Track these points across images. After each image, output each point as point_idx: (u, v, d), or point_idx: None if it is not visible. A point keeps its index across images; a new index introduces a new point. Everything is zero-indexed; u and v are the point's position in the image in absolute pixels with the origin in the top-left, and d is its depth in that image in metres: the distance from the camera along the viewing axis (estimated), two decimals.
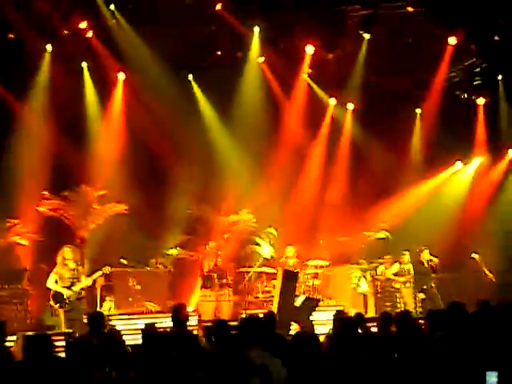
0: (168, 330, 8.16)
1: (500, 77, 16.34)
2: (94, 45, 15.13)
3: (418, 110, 17.67)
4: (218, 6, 14.96)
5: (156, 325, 7.90)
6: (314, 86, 17.05)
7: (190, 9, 14.69)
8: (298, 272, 14.04)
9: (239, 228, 15.99)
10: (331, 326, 8.53)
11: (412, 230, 16.11)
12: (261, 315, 7.78)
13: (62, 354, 6.51)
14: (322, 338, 8.12)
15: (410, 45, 15.71)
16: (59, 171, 14.81)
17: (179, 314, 7.89)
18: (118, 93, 16.20)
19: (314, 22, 15.09)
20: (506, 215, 16.67)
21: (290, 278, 13.38)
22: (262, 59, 16.31)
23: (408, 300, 14.79)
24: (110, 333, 8.00)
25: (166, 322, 10.07)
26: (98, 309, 13.23)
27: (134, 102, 15.97)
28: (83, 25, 14.67)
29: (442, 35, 15.44)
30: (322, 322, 12.71)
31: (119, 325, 11.87)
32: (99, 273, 12.22)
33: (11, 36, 14.38)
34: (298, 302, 13.30)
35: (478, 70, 16.22)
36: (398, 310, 13.66)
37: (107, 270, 12.25)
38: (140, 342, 7.06)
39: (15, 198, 14.37)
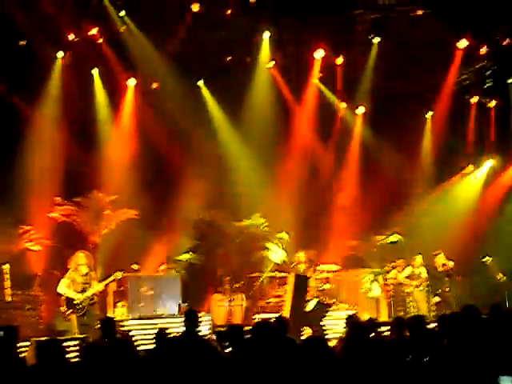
0: (180, 334, 8.17)
1: (510, 80, 16.28)
2: (105, 51, 15.20)
3: (429, 114, 17.63)
4: (228, 12, 15.00)
5: (168, 330, 7.91)
6: (325, 90, 17.05)
7: (200, 14, 14.73)
8: (309, 277, 14.02)
9: (251, 233, 16.01)
10: (343, 331, 8.53)
11: (424, 234, 16.08)
12: (273, 320, 7.79)
13: (75, 359, 6.55)
14: (333, 343, 8.15)
15: (419, 48, 15.69)
16: (71, 177, 14.89)
17: (191, 319, 7.90)
18: (129, 98, 16.26)
19: (324, 27, 15.12)
20: None
21: (302, 282, 13.37)
22: (272, 64, 16.33)
23: (421, 304, 14.72)
24: (122, 337, 8.03)
25: (178, 327, 10.09)
26: (111, 314, 13.25)
27: (145, 108, 16.04)
28: (94, 31, 14.74)
29: (451, 38, 15.42)
30: (334, 327, 12.70)
31: (132, 330, 11.90)
32: (111, 278, 12.26)
33: (22, 43, 14.47)
34: (310, 306, 13.30)
35: (488, 72, 16.18)
36: (411, 314, 13.63)
37: (119, 275, 12.29)
38: (152, 346, 7.08)
39: (28, 204, 14.44)
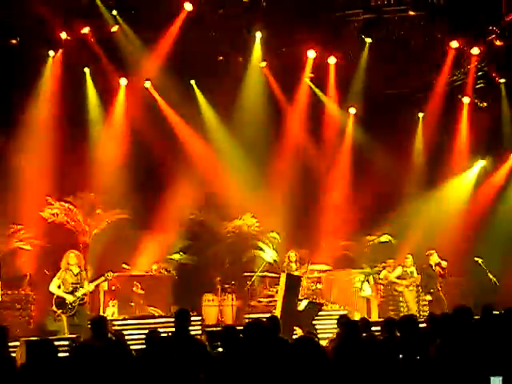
0: (171, 334, 8.16)
1: (502, 80, 16.32)
2: (97, 50, 15.15)
3: (421, 114, 17.66)
4: (221, 11, 14.98)
5: (159, 329, 7.89)
6: (316, 91, 17.06)
7: (192, 14, 14.69)
8: (300, 276, 14.04)
9: (242, 232, 16.01)
10: (335, 331, 8.53)
11: (415, 234, 16.12)
12: (264, 320, 7.78)
13: (66, 359, 6.51)
14: (325, 342, 8.16)
15: (411, 49, 15.70)
16: (62, 177, 14.83)
17: (182, 319, 7.88)
18: (120, 98, 16.22)
19: (316, 27, 15.10)
20: (510, 218, 16.66)
21: (293, 282, 13.38)
22: (264, 64, 16.33)
23: (411, 303, 14.78)
24: (114, 336, 8.00)
25: (168, 327, 10.07)
26: (101, 314, 13.22)
27: (136, 107, 16.01)
28: (85, 30, 14.69)
29: (443, 39, 15.44)
30: (326, 327, 12.70)
31: (122, 330, 11.86)
32: (102, 278, 12.24)
33: (13, 42, 14.40)
34: (302, 306, 13.30)
35: (480, 73, 16.21)
36: (402, 314, 13.67)
37: (110, 276, 12.27)
38: (143, 346, 7.05)
39: (18, 203, 14.39)
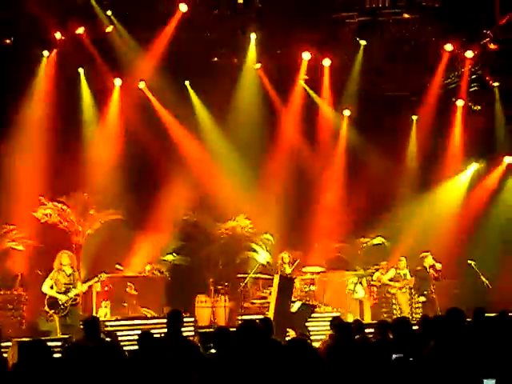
0: (163, 335, 8.14)
1: (496, 84, 16.36)
2: (91, 50, 15.11)
3: (414, 117, 17.69)
4: (215, 12, 14.97)
5: (151, 330, 7.88)
6: (311, 93, 17.07)
7: (187, 15, 14.68)
8: (294, 278, 14.04)
9: (236, 234, 16.00)
10: (328, 333, 8.53)
11: (409, 236, 16.14)
12: (257, 321, 7.77)
13: (58, 360, 6.49)
14: (318, 344, 8.16)
15: (406, 51, 15.73)
16: (55, 177, 14.79)
17: (174, 320, 7.86)
18: (115, 98, 16.19)
19: (311, 29, 15.11)
20: (503, 221, 16.72)
21: (286, 284, 13.38)
22: (258, 66, 16.33)
23: (404, 306, 14.79)
24: (107, 336, 7.99)
25: (161, 328, 10.05)
26: (94, 314, 13.19)
27: (131, 108, 15.98)
28: (80, 30, 14.66)
29: (438, 42, 15.47)
30: (319, 329, 12.70)
31: (115, 330, 11.84)
32: (95, 279, 12.22)
33: (7, 41, 14.36)
34: (295, 307, 13.30)
35: (474, 76, 16.25)
36: (395, 316, 13.70)
37: (103, 277, 12.25)
38: (136, 347, 7.04)
39: (11, 203, 14.34)
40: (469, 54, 15.41)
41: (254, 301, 14.96)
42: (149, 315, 13.84)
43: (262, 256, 15.89)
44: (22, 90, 14.93)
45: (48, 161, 14.76)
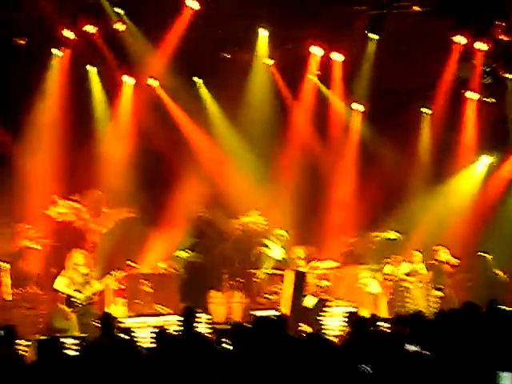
0: (179, 332, 8.16)
1: (509, 76, 16.26)
2: (102, 48, 15.16)
3: (427, 110, 17.61)
4: (226, 8, 14.96)
5: (167, 327, 7.91)
6: (322, 87, 17.03)
7: (197, 11, 14.69)
8: (305, 273, 14.02)
9: (250, 230, 16.00)
10: (342, 328, 8.53)
11: (423, 230, 16.09)
12: (272, 316, 7.79)
13: (75, 358, 6.53)
14: (331, 339, 8.14)
15: (417, 45, 15.65)
16: (69, 175, 14.86)
17: (187, 317, 7.89)
18: (126, 96, 16.23)
19: (322, 24, 15.08)
20: None
21: (299, 279, 13.37)
22: (271, 62, 16.30)
23: (419, 300, 14.73)
24: (123, 334, 8.02)
25: (176, 325, 10.08)
26: (109, 312, 13.23)
27: (142, 105, 16.02)
28: (91, 28, 14.70)
29: (450, 35, 15.38)
30: (332, 324, 12.69)
31: (130, 328, 11.87)
32: (110, 277, 12.26)
33: (21, 42, 14.43)
34: (311, 303, 13.29)
35: (487, 69, 16.15)
36: (410, 311, 13.64)
37: (119, 274, 12.30)
38: (152, 344, 7.07)
39: (26, 202, 14.42)
40: (482, 46, 15.32)
41: (269, 296, 14.95)
42: (164, 312, 13.87)
43: (276, 252, 15.87)
44: (35, 90, 15.00)
45: (62, 160, 14.84)
